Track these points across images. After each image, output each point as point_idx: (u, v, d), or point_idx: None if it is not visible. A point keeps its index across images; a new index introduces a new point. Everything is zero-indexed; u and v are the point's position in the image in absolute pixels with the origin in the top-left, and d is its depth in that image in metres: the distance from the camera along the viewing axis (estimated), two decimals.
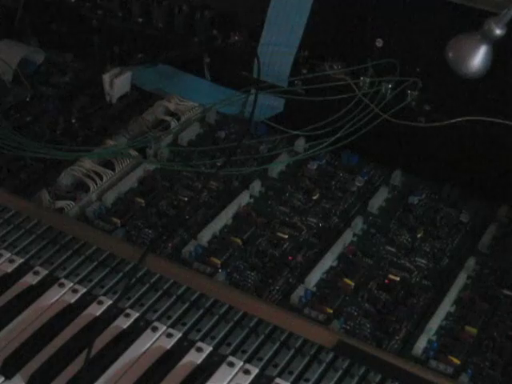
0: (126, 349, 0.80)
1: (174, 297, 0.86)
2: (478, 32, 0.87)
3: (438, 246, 0.96)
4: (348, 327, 0.85)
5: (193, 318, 0.83)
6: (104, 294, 0.86)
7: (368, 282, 0.91)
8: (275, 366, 0.79)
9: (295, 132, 1.10)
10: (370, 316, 0.87)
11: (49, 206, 0.98)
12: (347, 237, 0.96)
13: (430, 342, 0.83)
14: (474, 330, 0.84)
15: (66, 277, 0.88)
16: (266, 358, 0.79)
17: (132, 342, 0.81)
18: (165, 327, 0.82)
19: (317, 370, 0.78)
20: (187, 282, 0.87)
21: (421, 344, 0.82)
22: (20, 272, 0.88)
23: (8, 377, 0.77)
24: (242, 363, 0.79)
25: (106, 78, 1.17)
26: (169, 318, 0.83)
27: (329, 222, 0.99)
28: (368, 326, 0.85)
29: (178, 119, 1.14)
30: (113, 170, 1.04)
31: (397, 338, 0.84)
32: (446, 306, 0.87)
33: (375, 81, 1.07)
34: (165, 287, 0.87)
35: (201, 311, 0.84)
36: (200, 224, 0.98)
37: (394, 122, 1.04)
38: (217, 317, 0.84)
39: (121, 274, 0.88)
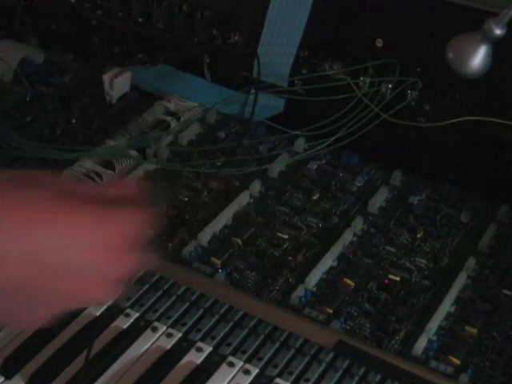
0: (126, 349, 0.80)
1: (174, 297, 0.86)
2: (477, 32, 0.87)
3: (437, 246, 0.96)
4: (348, 327, 0.85)
5: (193, 317, 0.83)
6: None
7: (368, 282, 0.91)
8: (275, 366, 0.78)
9: (295, 132, 1.10)
10: (370, 316, 0.86)
11: None
12: (347, 237, 0.96)
13: (430, 341, 0.83)
14: (474, 330, 0.84)
15: None
16: (266, 358, 0.79)
17: (132, 342, 0.80)
18: (165, 327, 0.82)
19: (317, 370, 0.78)
20: (187, 282, 0.87)
21: (421, 344, 0.82)
22: None
23: (8, 377, 0.77)
24: (242, 363, 0.79)
25: (106, 78, 1.16)
26: (169, 318, 0.83)
27: (329, 222, 0.99)
28: (368, 326, 0.85)
29: (178, 119, 1.14)
30: (113, 169, 1.04)
31: (397, 338, 0.84)
32: (446, 306, 0.87)
33: (375, 81, 1.07)
34: (165, 287, 0.87)
35: (201, 311, 0.84)
36: (200, 224, 0.98)
37: (394, 121, 1.04)
38: (217, 317, 0.84)
39: None
